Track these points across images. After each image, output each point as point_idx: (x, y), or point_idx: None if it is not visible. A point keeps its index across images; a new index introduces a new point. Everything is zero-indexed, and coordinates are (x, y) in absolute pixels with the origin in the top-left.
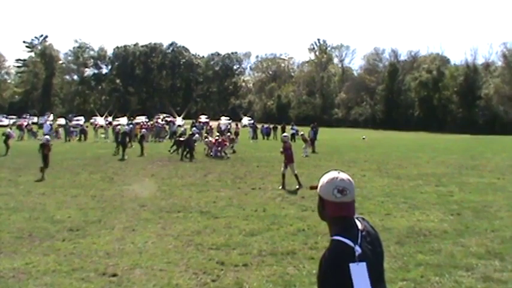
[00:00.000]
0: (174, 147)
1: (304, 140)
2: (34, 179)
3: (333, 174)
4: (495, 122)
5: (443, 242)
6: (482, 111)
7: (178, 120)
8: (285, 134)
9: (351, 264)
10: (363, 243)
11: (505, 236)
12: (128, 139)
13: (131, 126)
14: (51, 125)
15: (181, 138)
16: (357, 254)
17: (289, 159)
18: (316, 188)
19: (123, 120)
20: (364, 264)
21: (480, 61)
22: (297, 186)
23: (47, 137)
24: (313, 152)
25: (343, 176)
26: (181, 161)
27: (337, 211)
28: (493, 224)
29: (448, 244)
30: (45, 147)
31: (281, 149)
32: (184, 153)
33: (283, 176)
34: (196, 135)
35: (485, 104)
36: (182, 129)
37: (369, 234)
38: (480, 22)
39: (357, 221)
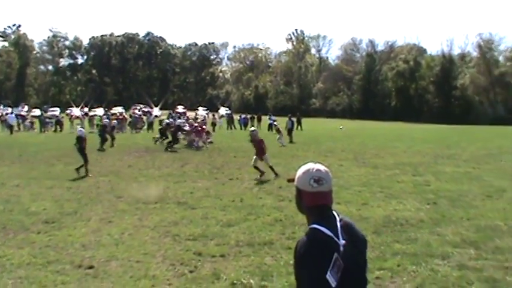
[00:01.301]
0: (157, 136)
1: (278, 131)
2: (8, 170)
3: (309, 165)
4: (470, 111)
5: (419, 231)
6: (458, 101)
7: (155, 111)
8: (252, 129)
9: (335, 254)
10: (345, 233)
11: (480, 224)
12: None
13: (109, 117)
14: (16, 115)
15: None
16: (341, 245)
17: (260, 152)
18: (293, 180)
19: (100, 111)
20: (342, 265)
21: (456, 52)
22: (273, 176)
23: (82, 129)
24: (291, 142)
25: (319, 166)
26: (166, 151)
27: (313, 200)
28: (469, 212)
29: (425, 233)
30: (83, 140)
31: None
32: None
33: (256, 167)
34: (186, 127)
35: (460, 94)
36: (169, 120)
37: (347, 225)
38: (456, 13)
39: (337, 214)
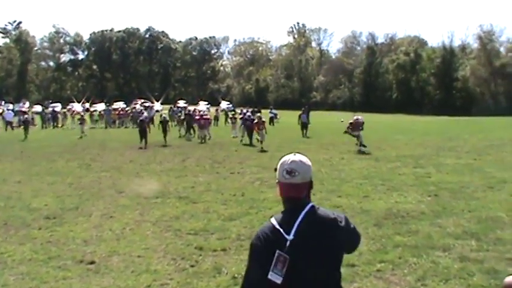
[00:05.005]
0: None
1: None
2: (10, 167)
3: (286, 157)
4: (472, 103)
5: (420, 223)
6: (459, 92)
7: (157, 106)
8: None
9: (277, 251)
10: (303, 229)
11: (481, 216)
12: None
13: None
14: (13, 110)
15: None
16: (288, 241)
17: None
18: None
19: (100, 107)
20: (287, 259)
21: (457, 43)
22: None
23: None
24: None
25: (295, 158)
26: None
27: (285, 191)
28: (470, 204)
29: (426, 225)
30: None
31: None
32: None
33: None
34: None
35: (461, 85)
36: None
37: (316, 220)
38: (457, 5)
39: (310, 208)
